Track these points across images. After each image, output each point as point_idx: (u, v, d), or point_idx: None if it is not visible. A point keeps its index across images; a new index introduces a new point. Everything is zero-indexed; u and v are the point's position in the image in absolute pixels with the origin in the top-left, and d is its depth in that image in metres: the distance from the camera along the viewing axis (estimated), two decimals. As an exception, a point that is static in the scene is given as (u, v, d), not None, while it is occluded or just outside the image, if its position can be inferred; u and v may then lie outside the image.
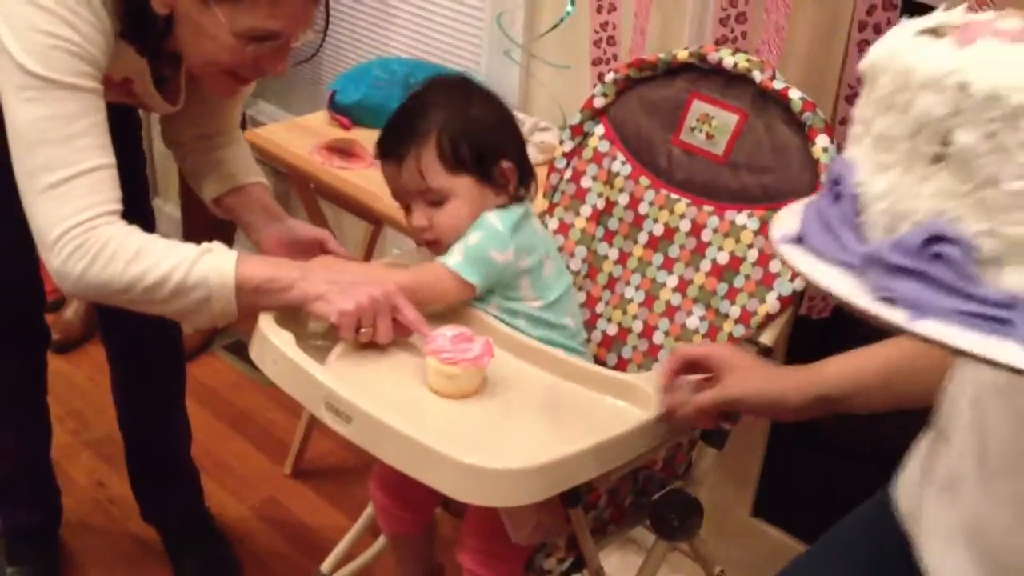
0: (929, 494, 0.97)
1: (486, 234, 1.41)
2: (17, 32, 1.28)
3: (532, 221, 1.49)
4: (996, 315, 0.60)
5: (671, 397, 1.26)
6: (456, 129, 1.41)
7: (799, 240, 0.72)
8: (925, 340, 0.61)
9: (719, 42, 1.69)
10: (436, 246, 1.45)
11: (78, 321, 2.78)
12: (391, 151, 1.44)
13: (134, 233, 1.32)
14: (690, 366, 1.26)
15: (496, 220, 1.42)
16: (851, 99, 1.60)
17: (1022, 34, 0.63)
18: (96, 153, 1.32)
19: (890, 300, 0.63)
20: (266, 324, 1.33)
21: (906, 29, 0.70)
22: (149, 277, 1.29)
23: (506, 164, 1.45)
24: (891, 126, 0.65)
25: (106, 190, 1.32)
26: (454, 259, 1.40)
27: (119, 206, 1.34)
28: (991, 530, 0.88)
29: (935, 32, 0.68)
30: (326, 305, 1.31)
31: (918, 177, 0.63)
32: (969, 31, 0.65)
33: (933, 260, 0.62)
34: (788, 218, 0.75)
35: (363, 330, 1.31)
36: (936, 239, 0.62)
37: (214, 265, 1.30)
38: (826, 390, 1.15)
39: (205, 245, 1.33)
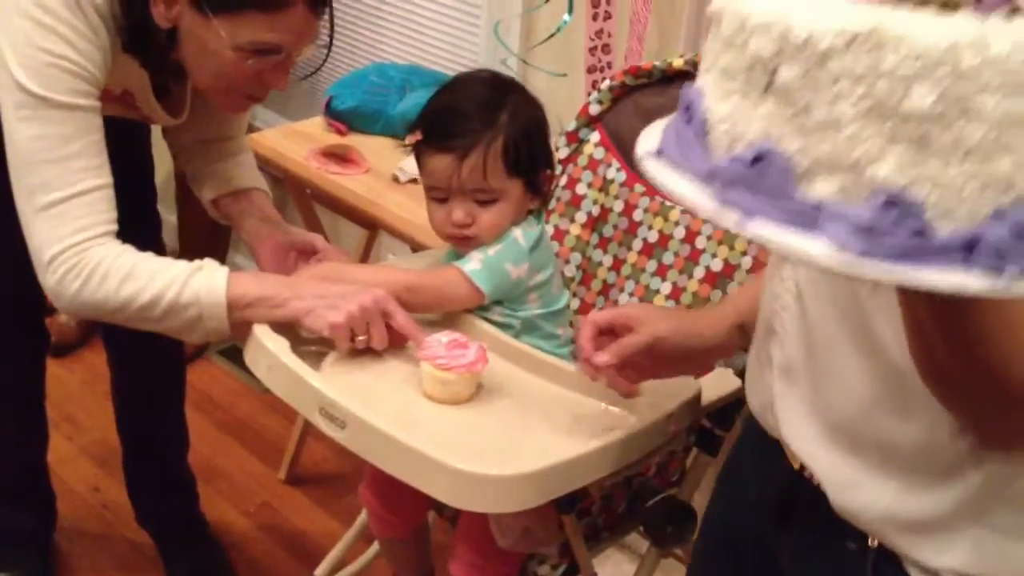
0: (771, 382, 1.06)
1: (506, 247, 1.41)
2: (15, 47, 1.28)
3: (546, 238, 1.49)
4: (807, 217, 0.71)
5: (594, 360, 1.20)
6: (521, 131, 1.39)
7: (659, 154, 0.82)
8: (753, 239, 0.72)
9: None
10: (466, 243, 1.43)
11: (74, 324, 2.78)
12: (455, 143, 1.37)
13: (126, 253, 1.33)
14: (606, 331, 1.23)
15: (520, 235, 1.42)
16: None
17: None
18: (92, 174, 1.32)
19: (727, 206, 0.73)
20: (261, 330, 1.33)
21: None
22: (142, 297, 1.30)
23: (548, 172, 1.46)
24: (731, 61, 0.76)
25: (100, 211, 1.33)
26: (471, 265, 1.40)
27: (113, 226, 1.35)
28: (829, 404, 0.99)
29: None
30: (317, 319, 1.31)
31: (752, 104, 0.74)
32: None
33: (760, 174, 0.73)
34: (650, 136, 0.85)
35: (359, 338, 1.31)
36: (763, 156, 0.73)
37: (205, 284, 1.31)
38: (740, 318, 1.21)
39: (196, 263, 1.34)
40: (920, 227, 0.70)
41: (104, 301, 1.31)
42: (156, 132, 1.74)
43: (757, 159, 0.74)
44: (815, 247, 0.70)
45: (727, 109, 0.77)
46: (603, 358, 1.18)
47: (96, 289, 1.30)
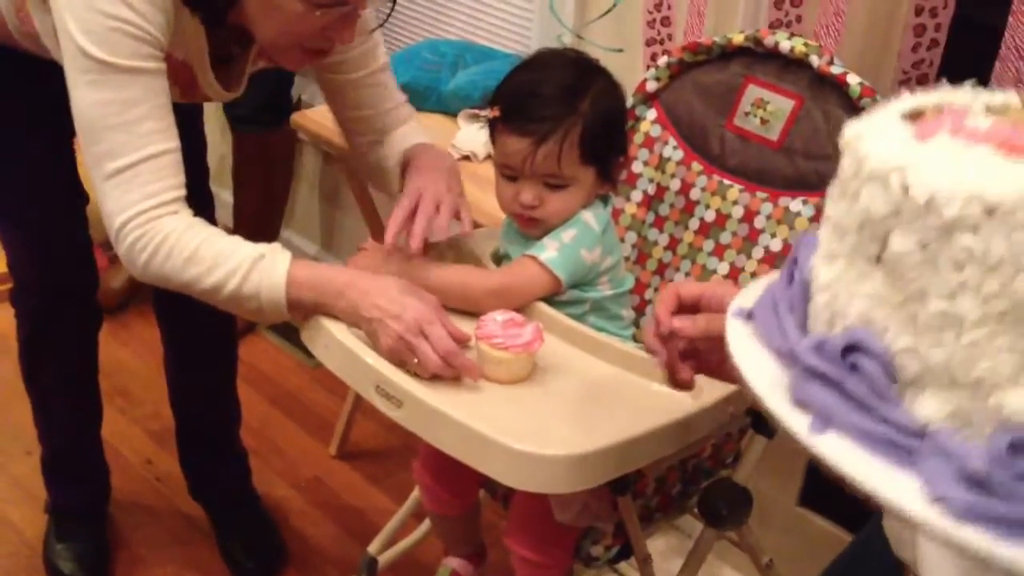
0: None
1: (580, 232, 1.40)
2: (76, 13, 1.28)
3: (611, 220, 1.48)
4: (903, 444, 0.55)
5: (673, 323, 1.02)
6: (601, 120, 1.37)
7: (749, 316, 0.68)
8: (821, 459, 0.56)
9: (773, 25, 1.66)
10: (532, 225, 1.42)
11: (117, 287, 2.77)
12: (532, 127, 1.35)
13: (193, 228, 1.33)
14: (688, 306, 1.06)
15: (592, 219, 1.41)
16: (904, 83, 1.57)
17: (986, 136, 0.57)
18: (159, 137, 1.32)
19: (801, 405, 0.59)
20: (317, 307, 1.33)
21: (892, 109, 0.65)
22: (204, 282, 1.31)
23: (622, 160, 1.45)
24: (844, 214, 0.60)
25: (169, 176, 1.33)
26: (548, 254, 1.38)
27: (182, 191, 1.35)
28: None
29: (915, 116, 0.63)
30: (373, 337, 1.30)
31: (858, 274, 0.59)
32: (935, 123, 0.60)
33: (853, 370, 0.57)
34: (753, 290, 0.72)
35: (414, 360, 1.28)
36: (858, 347, 0.57)
37: (266, 279, 1.31)
38: None
39: (259, 250, 1.32)
40: None
41: (170, 277, 1.33)
42: (208, 111, 1.73)
43: (851, 349, 0.58)
44: (902, 487, 0.54)
45: (831, 275, 0.61)
46: (684, 324, 1.01)
47: (163, 264, 1.31)
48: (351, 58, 1.54)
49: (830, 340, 0.58)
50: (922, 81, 1.56)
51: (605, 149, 1.40)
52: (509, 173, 1.40)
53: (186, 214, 1.35)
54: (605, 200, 1.46)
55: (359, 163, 1.67)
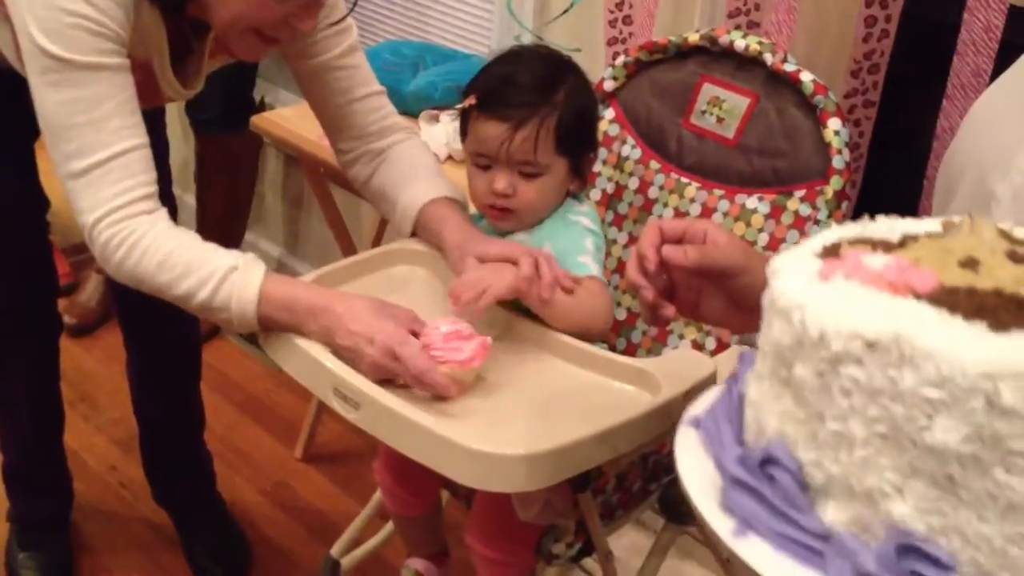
0: None
1: (595, 237, 1.45)
2: (36, 12, 1.27)
3: None
4: (813, 545, 0.61)
5: (665, 252, 1.01)
6: (575, 112, 1.41)
7: (698, 424, 0.73)
8: (741, 562, 0.61)
9: (732, 15, 1.67)
10: (504, 216, 1.44)
11: (93, 304, 2.78)
12: (511, 112, 1.38)
13: (169, 231, 1.32)
14: (671, 241, 1.05)
15: (592, 222, 1.46)
16: (855, 74, 1.59)
17: (877, 278, 0.63)
18: (127, 133, 1.31)
19: (726, 510, 0.64)
20: (275, 309, 1.33)
21: (812, 244, 0.71)
22: (176, 290, 1.30)
23: (592, 156, 1.48)
24: (764, 340, 0.67)
25: (140, 172, 1.32)
26: (595, 269, 1.42)
27: (154, 187, 1.34)
28: None
29: (830, 252, 0.69)
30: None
31: (775, 394, 0.65)
32: (837, 264, 0.66)
33: (769, 481, 0.63)
34: (706, 399, 0.77)
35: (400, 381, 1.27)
36: (774, 460, 0.63)
37: (236, 292, 1.29)
38: None
39: (232, 262, 1.31)
40: None
41: (143, 279, 1.31)
42: (170, 115, 1.72)
43: (767, 461, 0.64)
44: None
45: (757, 392, 0.67)
46: (676, 252, 1.00)
47: (136, 264, 1.30)
48: (319, 39, 1.49)
49: (751, 453, 0.64)
50: (873, 71, 1.58)
51: (578, 142, 1.43)
52: (483, 162, 1.42)
53: (161, 213, 1.34)
54: (578, 197, 1.49)
55: (354, 181, 1.59)
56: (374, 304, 1.30)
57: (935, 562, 0.57)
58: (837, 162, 1.40)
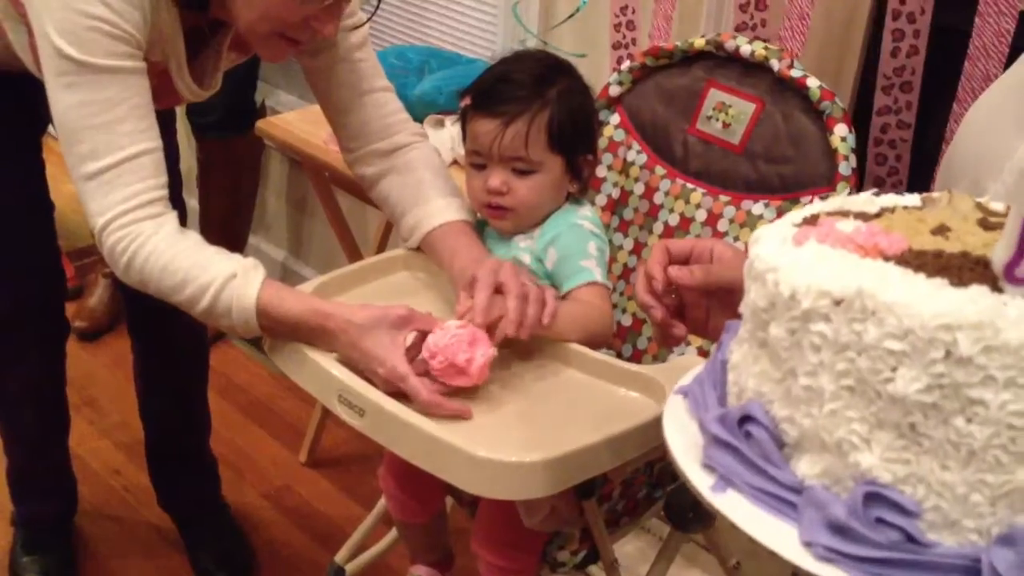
0: None
1: (599, 240, 1.45)
2: (53, 14, 1.27)
3: None
4: (787, 497, 0.64)
5: (671, 272, 1.01)
6: (568, 111, 1.42)
7: (685, 394, 0.77)
8: (721, 514, 0.64)
9: (739, 28, 1.67)
10: (501, 215, 1.44)
11: (102, 308, 2.78)
12: (501, 109, 1.40)
13: (173, 235, 1.32)
14: (678, 261, 1.05)
15: (595, 226, 1.46)
16: (887, 90, 1.58)
17: (847, 240, 0.66)
18: (141, 137, 1.31)
19: (707, 468, 0.67)
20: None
21: (792, 216, 0.75)
22: (178, 295, 1.31)
23: (590, 158, 1.48)
24: (743, 306, 0.70)
25: (150, 176, 1.32)
26: (599, 274, 1.42)
27: (164, 191, 1.34)
28: None
29: (810, 221, 0.72)
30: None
31: (753, 356, 0.68)
32: (811, 230, 0.69)
33: (746, 438, 0.66)
34: (695, 371, 0.80)
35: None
36: (751, 418, 0.66)
37: (236, 301, 1.29)
38: None
39: (232, 269, 1.30)
40: (910, 535, 0.60)
41: (148, 283, 1.32)
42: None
43: (745, 419, 0.67)
44: (783, 536, 0.63)
45: (738, 356, 0.71)
46: (682, 273, 1.00)
47: (142, 269, 1.31)
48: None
49: (730, 412, 0.68)
50: (906, 89, 1.57)
51: (572, 140, 1.43)
52: (478, 161, 1.43)
53: (169, 217, 1.34)
54: (580, 201, 1.49)
55: (360, 180, 1.59)
56: (366, 324, 1.27)
57: (900, 509, 0.59)
58: (843, 168, 1.40)
